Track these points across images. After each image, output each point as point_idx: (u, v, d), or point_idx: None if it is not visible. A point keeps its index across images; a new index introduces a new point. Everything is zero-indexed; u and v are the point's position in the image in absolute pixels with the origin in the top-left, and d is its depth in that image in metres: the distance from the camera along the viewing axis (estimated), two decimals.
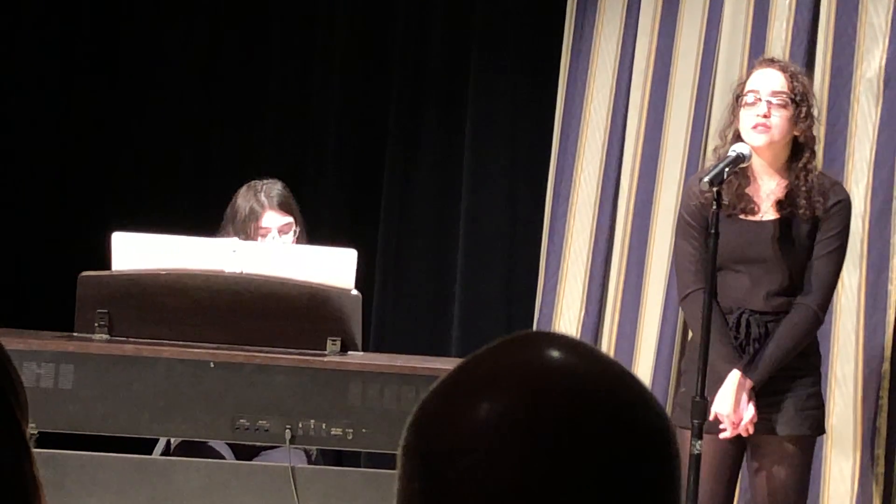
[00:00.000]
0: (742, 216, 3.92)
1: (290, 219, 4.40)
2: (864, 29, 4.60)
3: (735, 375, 3.86)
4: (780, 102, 3.88)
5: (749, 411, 3.85)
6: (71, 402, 3.65)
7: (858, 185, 4.53)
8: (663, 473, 1.12)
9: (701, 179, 3.79)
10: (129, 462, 3.74)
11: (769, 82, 3.91)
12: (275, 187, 4.44)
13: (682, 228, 4.03)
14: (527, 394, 1.10)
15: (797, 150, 3.92)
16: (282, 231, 4.37)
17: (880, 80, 4.55)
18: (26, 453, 1.40)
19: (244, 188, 4.47)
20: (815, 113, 3.96)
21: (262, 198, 4.40)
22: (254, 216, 4.38)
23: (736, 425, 3.85)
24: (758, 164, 3.93)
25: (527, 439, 1.08)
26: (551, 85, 5.39)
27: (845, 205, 3.94)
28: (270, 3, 6.03)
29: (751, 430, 3.86)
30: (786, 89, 3.89)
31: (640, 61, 5.11)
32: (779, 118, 3.87)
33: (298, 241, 4.39)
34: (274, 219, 4.38)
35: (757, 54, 4.63)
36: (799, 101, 3.89)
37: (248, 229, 4.36)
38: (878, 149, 4.54)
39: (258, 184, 4.46)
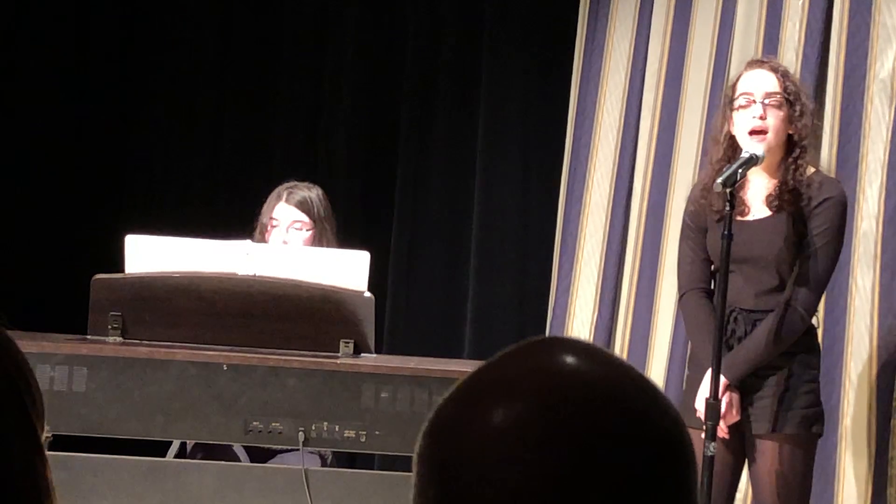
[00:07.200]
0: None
1: (304, 217, 4.42)
2: (878, 29, 4.58)
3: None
4: (774, 103, 3.86)
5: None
6: (84, 405, 3.64)
7: (872, 185, 4.51)
8: (678, 479, 1.12)
9: (714, 181, 3.78)
10: (143, 465, 3.73)
11: (762, 84, 3.89)
12: (303, 189, 4.49)
13: (682, 230, 4.07)
14: (541, 400, 1.10)
15: (790, 148, 3.90)
16: (291, 226, 4.40)
17: (894, 80, 4.54)
18: (40, 457, 1.39)
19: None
20: (812, 109, 3.93)
21: (283, 192, 4.47)
22: (269, 207, 4.46)
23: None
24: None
25: (542, 446, 1.08)
26: (564, 86, 5.38)
27: (835, 202, 3.86)
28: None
29: (723, 428, 3.82)
30: (779, 89, 3.87)
31: (652, 62, 5.10)
32: (774, 119, 3.86)
33: (321, 245, 4.39)
34: (286, 212, 4.42)
35: (770, 54, 4.62)
36: (793, 100, 3.87)
37: (266, 220, 4.45)
38: (891, 149, 4.52)
39: (292, 182, 4.51)
